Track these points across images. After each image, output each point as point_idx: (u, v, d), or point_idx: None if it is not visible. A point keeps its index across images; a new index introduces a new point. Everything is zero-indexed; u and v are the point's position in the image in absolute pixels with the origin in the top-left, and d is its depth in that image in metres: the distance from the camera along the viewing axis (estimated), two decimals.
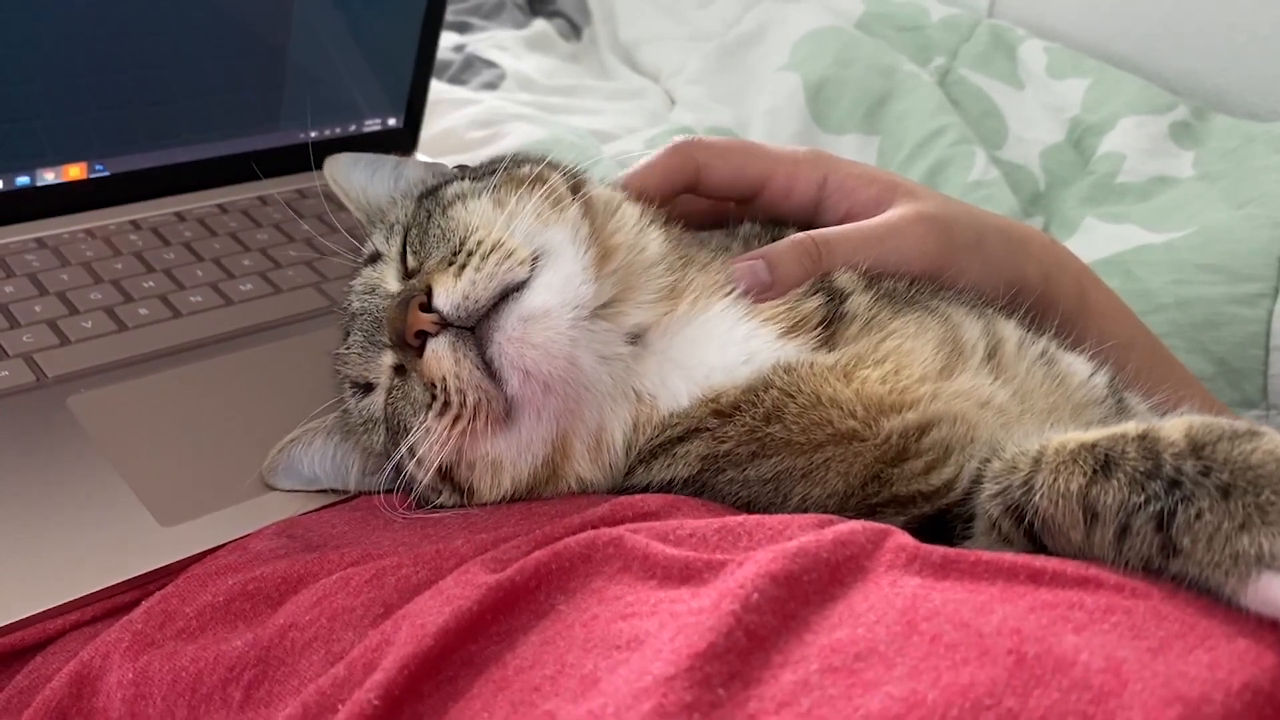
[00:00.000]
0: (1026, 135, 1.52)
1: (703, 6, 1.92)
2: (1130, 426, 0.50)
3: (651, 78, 1.82)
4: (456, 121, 1.49)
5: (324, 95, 1.11)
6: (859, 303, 0.65)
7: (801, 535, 0.49)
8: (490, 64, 1.74)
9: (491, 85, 1.69)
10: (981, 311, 0.67)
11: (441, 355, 0.58)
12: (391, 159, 0.81)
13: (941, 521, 0.57)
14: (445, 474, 0.62)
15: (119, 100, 0.98)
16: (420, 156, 1.21)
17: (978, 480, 0.56)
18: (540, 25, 1.96)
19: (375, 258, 0.70)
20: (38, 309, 0.85)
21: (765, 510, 0.60)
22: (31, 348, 0.81)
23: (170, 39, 0.98)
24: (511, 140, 1.43)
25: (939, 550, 0.48)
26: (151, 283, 0.91)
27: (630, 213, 0.68)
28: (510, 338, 0.57)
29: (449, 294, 0.58)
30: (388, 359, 0.65)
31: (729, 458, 0.61)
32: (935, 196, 0.75)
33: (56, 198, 0.97)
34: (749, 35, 1.73)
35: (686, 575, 0.49)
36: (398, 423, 0.63)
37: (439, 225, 0.64)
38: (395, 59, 1.14)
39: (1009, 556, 0.47)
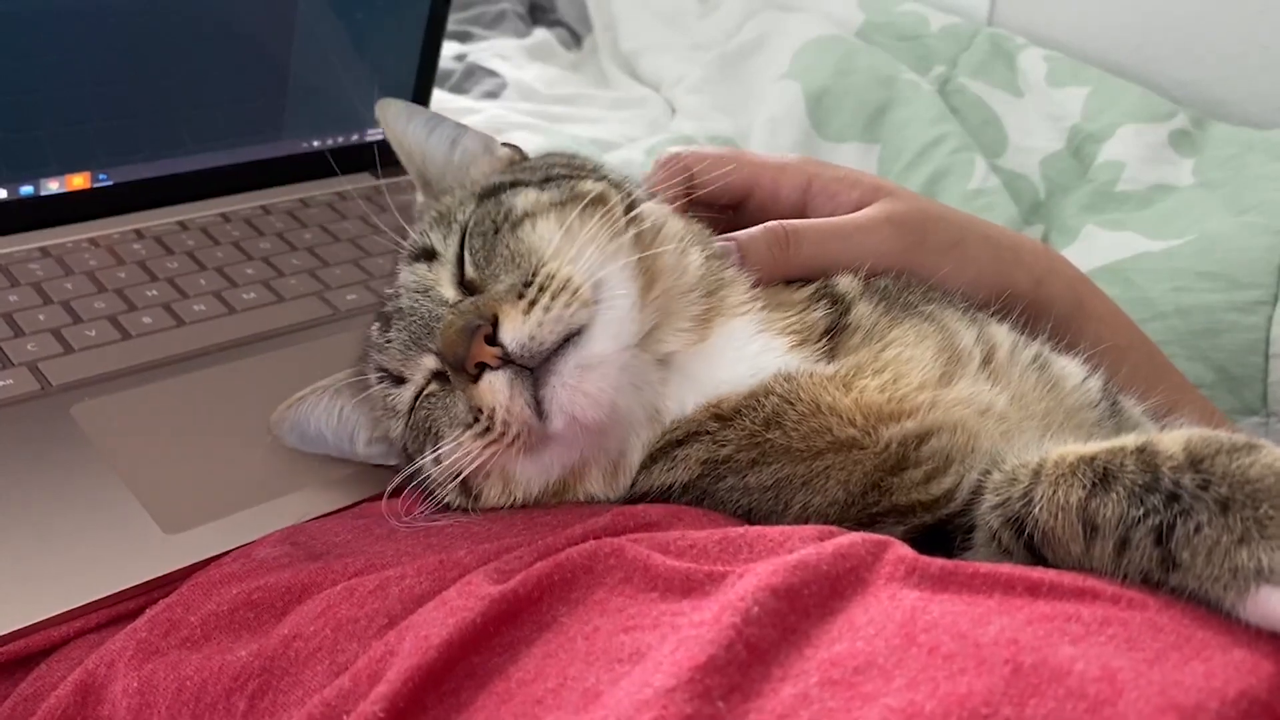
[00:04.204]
0: (1026, 144, 1.52)
1: (703, 16, 1.92)
2: (1129, 439, 0.51)
3: (652, 87, 1.83)
4: None
5: (326, 105, 1.12)
6: (861, 312, 0.65)
7: (802, 548, 0.49)
8: (491, 73, 1.74)
9: (493, 94, 1.70)
10: (974, 317, 0.68)
11: (497, 389, 0.58)
12: (450, 121, 0.79)
13: (942, 532, 0.57)
14: (458, 484, 0.63)
15: (122, 110, 0.98)
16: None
17: (978, 491, 0.56)
18: (541, 34, 1.97)
19: (430, 255, 0.67)
20: (42, 318, 0.86)
21: (766, 519, 0.60)
22: (36, 356, 0.81)
23: (173, 49, 0.98)
24: None
25: (937, 562, 0.48)
26: (155, 291, 0.91)
27: (673, 230, 0.68)
28: (566, 384, 0.58)
29: (516, 332, 0.57)
30: (429, 363, 0.64)
31: (729, 464, 0.61)
32: (916, 199, 0.76)
33: (60, 207, 0.97)
34: (749, 44, 1.74)
35: (688, 587, 0.49)
36: (428, 425, 0.64)
37: (507, 244, 0.63)
38: (397, 68, 1.15)
39: (1006, 568, 0.47)
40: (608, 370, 0.59)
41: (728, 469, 0.61)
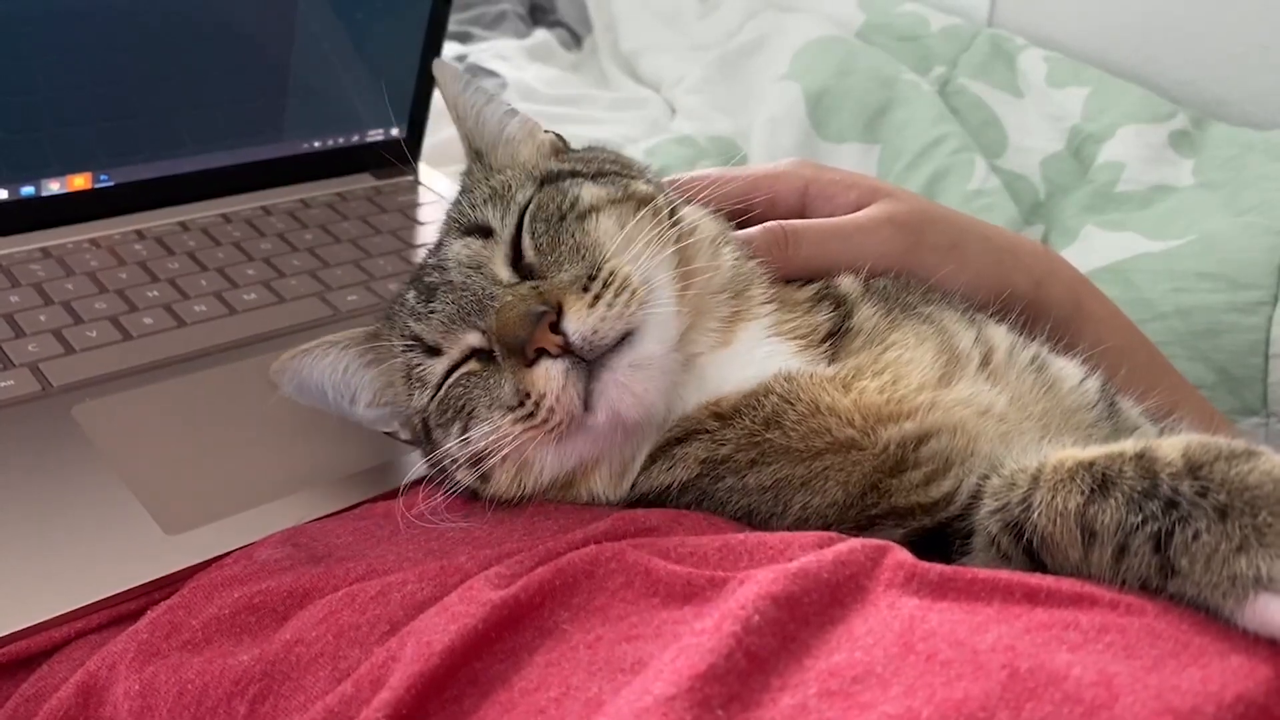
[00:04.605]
0: (1026, 144, 1.52)
1: (703, 16, 1.93)
2: (1128, 445, 0.51)
3: (652, 87, 1.83)
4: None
5: (327, 106, 1.12)
6: (864, 315, 0.65)
7: (802, 555, 0.49)
8: (492, 74, 1.75)
9: None
10: (973, 318, 0.68)
11: (553, 377, 0.58)
12: (501, 99, 0.79)
13: (941, 536, 0.57)
14: (474, 461, 0.62)
15: (123, 111, 0.98)
16: (424, 167, 1.21)
17: (977, 496, 0.56)
18: (541, 35, 1.97)
19: (485, 232, 0.67)
20: (43, 318, 0.86)
21: (765, 521, 0.60)
22: (37, 357, 0.81)
23: (174, 50, 0.98)
24: None
25: (936, 568, 0.48)
26: (156, 292, 0.91)
27: (708, 232, 0.68)
28: (617, 380, 0.58)
29: (580, 324, 0.58)
30: (471, 340, 0.64)
31: (728, 464, 0.61)
32: (915, 200, 0.76)
33: (61, 208, 0.98)
34: (749, 45, 1.74)
35: (689, 592, 0.49)
36: (462, 403, 0.63)
37: (573, 235, 0.64)
38: (398, 69, 1.15)
39: (1005, 575, 0.47)
40: (654, 372, 0.60)
41: (727, 469, 0.61)
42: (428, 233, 1.09)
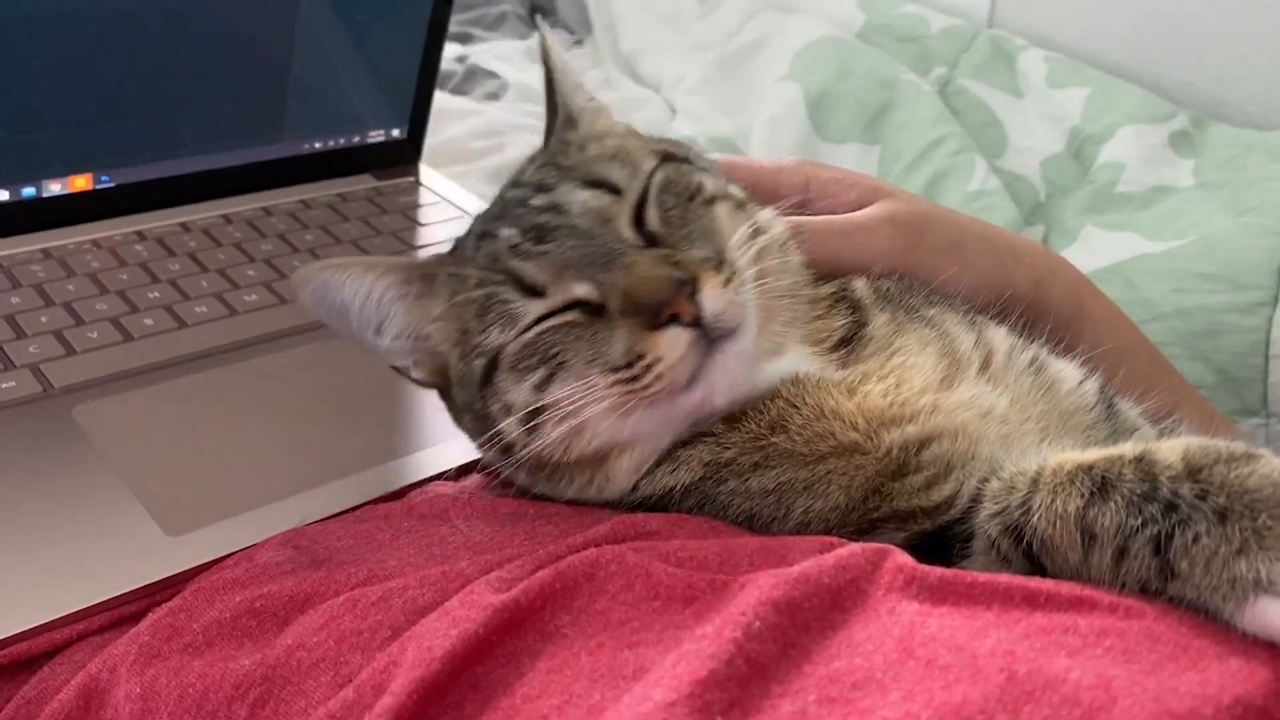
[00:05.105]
0: (1026, 145, 1.52)
1: (703, 17, 1.93)
2: (1127, 448, 0.51)
3: (653, 88, 1.83)
4: (459, 132, 1.50)
5: (328, 107, 1.12)
6: (878, 322, 0.66)
7: (803, 560, 0.49)
8: (492, 74, 1.75)
9: (494, 96, 1.70)
10: (973, 320, 0.68)
11: (677, 346, 0.57)
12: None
13: (941, 539, 0.57)
14: (529, 414, 0.61)
15: (124, 112, 0.98)
16: (424, 168, 1.21)
17: (976, 499, 0.56)
18: None
19: (611, 189, 0.65)
20: (44, 319, 0.86)
21: (767, 525, 0.60)
22: (38, 358, 0.81)
23: (175, 51, 0.99)
24: (514, 151, 1.44)
25: (936, 571, 0.48)
26: (157, 293, 0.91)
27: (778, 236, 0.68)
28: (724, 364, 0.59)
29: (714, 302, 0.58)
30: (580, 290, 0.61)
31: (731, 466, 0.61)
32: (916, 200, 0.76)
33: (62, 209, 0.98)
34: (750, 45, 1.74)
35: (690, 596, 0.49)
36: (552, 352, 0.60)
37: (699, 217, 0.64)
38: (398, 71, 1.15)
39: (1004, 578, 0.47)
40: (745, 364, 0.60)
41: (730, 472, 0.61)
42: (428, 233, 1.09)
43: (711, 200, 0.66)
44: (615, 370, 0.58)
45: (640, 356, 0.58)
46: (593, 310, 0.61)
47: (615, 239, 0.62)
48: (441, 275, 0.67)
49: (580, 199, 0.64)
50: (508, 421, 0.62)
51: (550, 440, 0.61)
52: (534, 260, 0.63)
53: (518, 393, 0.61)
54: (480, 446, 0.67)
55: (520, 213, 0.66)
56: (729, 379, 0.59)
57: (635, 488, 0.63)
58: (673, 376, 0.58)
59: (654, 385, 0.58)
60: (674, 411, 0.60)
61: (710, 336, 0.58)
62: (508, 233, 0.65)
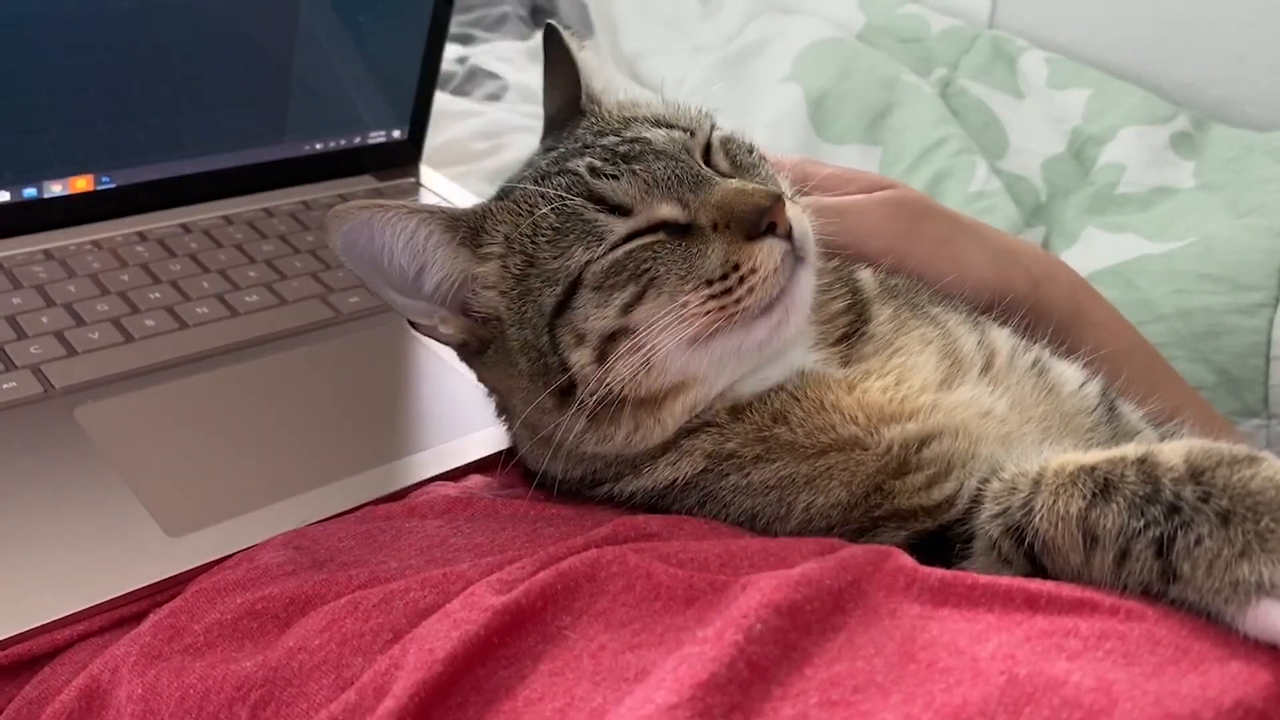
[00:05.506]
0: (1027, 146, 1.52)
1: (705, 19, 1.92)
2: (1130, 449, 0.51)
3: (654, 89, 1.82)
4: (460, 133, 1.50)
5: (329, 108, 1.12)
6: (880, 320, 0.66)
7: (804, 561, 0.49)
8: (493, 75, 1.75)
9: (495, 97, 1.70)
10: (976, 321, 0.68)
11: (773, 254, 0.59)
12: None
13: (942, 539, 0.57)
14: (604, 342, 0.60)
15: (125, 113, 0.98)
16: (425, 169, 1.21)
17: (977, 500, 0.56)
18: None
19: (684, 129, 0.67)
20: (45, 320, 0.86)
21: (769, 525, 0.60)
22: (39, 359, 0.81)
23: (176, 52, 0.99)
24: (515, 152, 1.44)
25: (937, 573, 0.48)
26: (158, 294, 0.91)
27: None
28: (804, 285, 0.61)
29: (799, 222, 0.61)
30: (666, 210, 0.61)
31: (733, 459, 0.61)
32: (916, 192, 0.78)
33: (63, 210, 0.98)
34: (751, 47, 1.74)
35: (691, 596, 0.49)
36: (642, 271, 0.60)
37: (762, 168, 0.69)
38: (399, 72, 1.15)
39: (1005, 580, 0.47)
40: (810, 298, 0.62)
41: (732, 464, 0.61)
42: None
43: (762, 159, 0.69)
44: (709, 284, 0.59)
45: (736, 267, 0.59)
46: (680, 230, 0.61)
47: (696, 165, 0.64)
48: (497, 213, 0.65)
49: (659, 133, 0.66)
50: (579, 352, 0.61)
51: (622, 372, 0.59)
52: (621, 180, 0.63)
53: (600, 316, 0.60)
54: (521, 404, 0.65)
55: (599, 147, 0.66)
56: (803, 303, 0.61)
57: (638, 470, 0.63)
58: (765, 290, 0.59)
59: (745, 299, 0.58)
60: (749, 339, 0.60)
61: (796, 255, 0.60)
62: (585, 162, 0.64)
